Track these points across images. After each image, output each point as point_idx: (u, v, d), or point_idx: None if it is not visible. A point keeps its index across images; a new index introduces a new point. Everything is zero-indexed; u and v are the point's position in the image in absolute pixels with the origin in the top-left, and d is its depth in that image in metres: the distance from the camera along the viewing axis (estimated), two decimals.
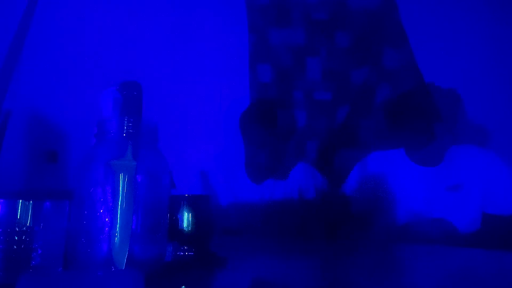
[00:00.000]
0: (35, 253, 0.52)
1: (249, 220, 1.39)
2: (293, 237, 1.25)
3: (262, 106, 1.51)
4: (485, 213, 1.35)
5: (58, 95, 1.78)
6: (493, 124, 1.79)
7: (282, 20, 2.08)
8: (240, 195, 1.46)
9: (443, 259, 0.88)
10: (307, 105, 1.99)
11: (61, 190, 1.56)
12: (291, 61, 2.05)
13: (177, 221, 0.74)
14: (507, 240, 1.15)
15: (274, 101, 1.56)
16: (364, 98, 1.96)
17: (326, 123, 1.95)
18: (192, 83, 1.91)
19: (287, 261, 0.82)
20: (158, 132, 0.66)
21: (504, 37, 1.91)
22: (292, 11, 2.09)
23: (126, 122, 0.58)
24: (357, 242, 1.18)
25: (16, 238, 0.52)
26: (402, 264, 0.86)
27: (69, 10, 1.86)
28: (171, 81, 1.87)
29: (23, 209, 0.53)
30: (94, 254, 0.53)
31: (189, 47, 1.96)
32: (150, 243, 0.57)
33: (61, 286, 0.43)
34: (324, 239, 1.27)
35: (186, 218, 0.74)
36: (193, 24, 1.99)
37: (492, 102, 1.81)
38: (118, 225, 0.53)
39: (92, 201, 0.54)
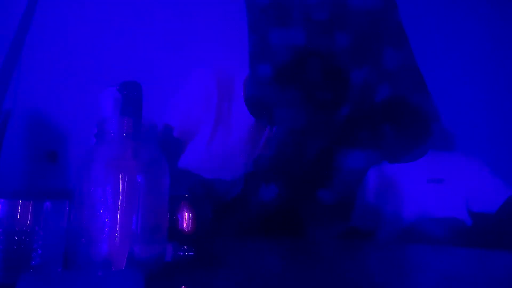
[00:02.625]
0: (35, 253, 0.52)
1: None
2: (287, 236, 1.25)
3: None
4: (471, 211, 1.37)
5: (58, 95, 1.78)
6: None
7: (282, 20, 2.08)
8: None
9: (438, 259, 0.88)
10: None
11: (61, 190, 1.56)
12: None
13: (177, 221, 0.74)
14: (496, 237, 1.16)
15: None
16: (364, 98, 1.96)
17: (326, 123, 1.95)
18: None
19: (287, 261, 0.82)
20: (158, 132, 0.66)
21: (503, 38, 1.92)
22: (292, 11, 2.09)
23: (126, 122, 0.58)
24: (357, 242, 1.18)
25: (16, 238, 0.52)
26: (404, 264, 0.86)
27: (69, 10, 1.87)
28: (171, 81, 1.87)
29: (23, 209, 0.53)
30: (94, 254, 0.53)
31: (189, 47, 1.96)
32: (150, 243, 0.57)
33: (61, 286, 0.43)
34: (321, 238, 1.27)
35: (186, 218, 0.74)
36: (193, 24, 1.99)
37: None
38: (118, 225, 0.53)
39: (92, 201, 0.53)
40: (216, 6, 2.00)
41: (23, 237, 0.52)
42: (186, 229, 0.74)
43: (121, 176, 0.54)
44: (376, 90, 1.96)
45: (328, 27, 2.05)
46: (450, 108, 1.83)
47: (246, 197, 1.49)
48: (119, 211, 0.53)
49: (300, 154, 1.73)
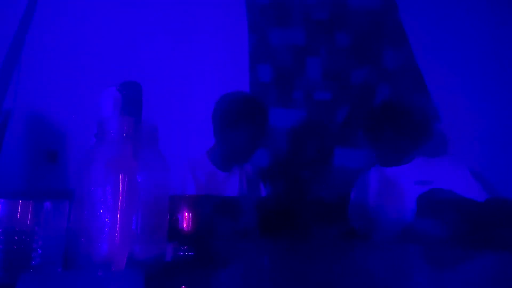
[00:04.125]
0: (35, 253, 0.52)
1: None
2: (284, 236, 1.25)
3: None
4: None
5: (58, 95, 1.78)
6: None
7: (282, 20, 2.08)
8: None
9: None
10: (307, 105, 2.00)
11: (61, 190, 1.56)
12: (291, 61, 2.05)
13: (177, 221, 0.74)
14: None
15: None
16: (364, 98, 1.96)
17: (326, 123, 1.95)
18: (192, 83, 1.92)
19: (287, 261, 0.82)
20: (158, 132, 0.66)
21: (503, 39, 1.91)
22: (292, 11, 2.09)
23: (126, 122, 0.58)
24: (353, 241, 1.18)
25: (16, 238, 0.52)
26: (404, 264, 0.86)
27: (69, 10, 1.86)
28: (171, 81, 1.87)
29: (23, 209, 0.53)
30: (94, 254, 0.53)
31: (189, 47, 1.96)
32: (150, 243, 0.57)
33: (61, 286, 0.43)
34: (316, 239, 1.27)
35: (186, 218, 0.74)
36: (193, 24, 1.99)
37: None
38: (118, 225, 0.53)
39: (92, 201, 0.53)
40: (216, 6, 2.00)
41: (23, 237, 0.52)
42: (186, 229, 0.74)
43: (121, 176, 0.54)
44: (376, 90, 1.96)
45: (328, 27, 2.05)
46: (444, 109, 1.83)
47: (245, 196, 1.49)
48: (119, 211, 0.53)
49: (298, 153, 1.73)
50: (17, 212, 0.53)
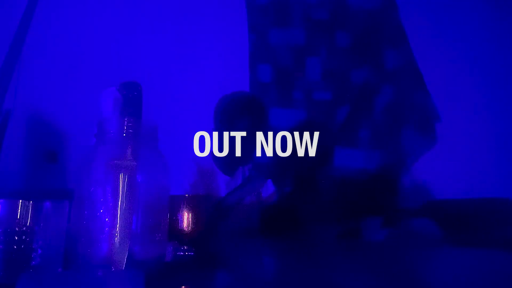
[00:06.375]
0: (35, 253, 0.52)
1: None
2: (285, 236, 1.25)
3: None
4: None
5: (58, 95, 1.78)
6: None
7: (282, 20, 2.08)
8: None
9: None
10: (307, 105, 1.99)
11: (61, 190, 1.56)
12: (291, 61, 2.05)
13: (177, 221, 0.74)
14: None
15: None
16: (364, 98, 1.96)
17: (326, 123, 1.95)
18: (192, 83, 1.91)
19: (287, 261, 0.82)
20: (158, 132, 0.66)
21: (504, 38, 1.91)
22: (292, 11, 2.09)
23: (126, 122, 0.58)
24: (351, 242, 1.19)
25: (16, 238, 0.52)
26: (404, 264, 0.86)
27: (69, 10, 1.86)
28: (171, 81, 1.87)
29: (23, 209, 0.53)
30: (94, 254, 0.53)
31: (189, 47, 1.96)
32: (150, 243, 0.57)
33: (61, 286, 0.43)
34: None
35: (186, 218, 0.74)
36: (193, 24, 1.99)
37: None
38: (118, 225, 0.53)
39: (92, 201, 0.53)
40: (216, 6, 2.00)
41: (23, 237, 0.52)
42: (186, 229, 0.74)
43: (121, 176, 0.54)
44: (376, 90, 1.96)
45: (328, 27, 2.05)
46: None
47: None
48: (119, 211, 0.53)
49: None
50: (17, 212, 0.53)
